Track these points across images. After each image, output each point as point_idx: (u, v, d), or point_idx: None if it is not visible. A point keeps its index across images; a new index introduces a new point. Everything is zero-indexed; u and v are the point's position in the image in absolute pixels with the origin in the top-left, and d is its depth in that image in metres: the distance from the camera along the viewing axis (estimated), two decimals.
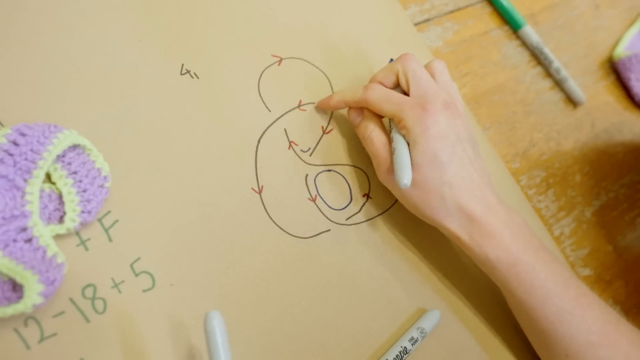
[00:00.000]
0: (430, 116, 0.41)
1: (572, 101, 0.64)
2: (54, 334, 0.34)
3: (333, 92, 0.47)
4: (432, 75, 0.45)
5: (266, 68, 0.48)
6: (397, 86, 0.45)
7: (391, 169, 0.42)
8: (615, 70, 0.68)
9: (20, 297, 0.33)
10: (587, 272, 0.57)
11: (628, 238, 0.61)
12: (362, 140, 0.45)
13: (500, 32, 0.64)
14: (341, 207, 0.46)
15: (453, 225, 0.42)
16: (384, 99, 0.43)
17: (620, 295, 0.58)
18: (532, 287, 0.41)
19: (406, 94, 0.44)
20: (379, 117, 0.45)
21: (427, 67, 0.45)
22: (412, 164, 0.41)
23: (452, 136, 0.41)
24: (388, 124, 0.45)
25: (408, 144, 0.42)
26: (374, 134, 0.44)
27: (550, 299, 0.41)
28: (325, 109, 0.48)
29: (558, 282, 0.41)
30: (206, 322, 0.33)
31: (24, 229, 0.35)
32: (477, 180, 0.42)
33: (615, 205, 0.62)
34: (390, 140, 0.43)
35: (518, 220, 0.43)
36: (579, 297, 0.42)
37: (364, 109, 0.46)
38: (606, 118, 0.65)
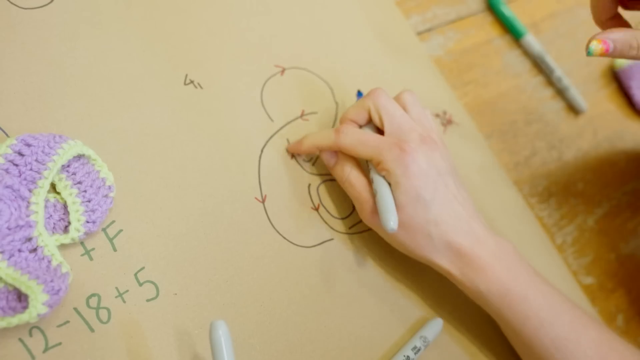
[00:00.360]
0: (409, 156, 0.40)
1: (573, 110, 0.64)
2: (59, 344, 0.34)
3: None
4: (404, 108, 0.44)
5: (269, 78, 0.48)
6: (369, 122, 0.44)
7: (375, 211, 0.42)
8: (616, 79, 0.68)
9: (25, 307, 0.33)
10: (589, 280, 0.57)
11: (631, 246, 0.61)
12: (340, 183, 0.44)
13: (501, 41, 0.64)
14: (344, 216, 0.46)
15: (443, 261, 0.42)
16: (359, 143, 0.42)
17: (623, 303, 0.58)
18: (525, 317, 0.41)
19: (379, 130, 0.44)
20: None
21: (397, 99, 0.45)
22: (396, 204, 0.40)
23: (432, 172, 0.41)
24: (364, 160, 0.44)
25: (389, 184, 0.41)
26: (352, 176, 0.43)
27: (544, 328, 0.41)
28: (297, 154, 0.47)
29: (551, 308, 0.41)
30: (211, 331, 0.33)
31: (28, 239, 0.35)
32: (462, 213, 0.42)
33: (618, 213, 0.62)
34: (368, 180, 0.43)
35: (507, 248, 0.42)
36: (573, 321, 0.42)
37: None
38: (608, 126, 0.66)
